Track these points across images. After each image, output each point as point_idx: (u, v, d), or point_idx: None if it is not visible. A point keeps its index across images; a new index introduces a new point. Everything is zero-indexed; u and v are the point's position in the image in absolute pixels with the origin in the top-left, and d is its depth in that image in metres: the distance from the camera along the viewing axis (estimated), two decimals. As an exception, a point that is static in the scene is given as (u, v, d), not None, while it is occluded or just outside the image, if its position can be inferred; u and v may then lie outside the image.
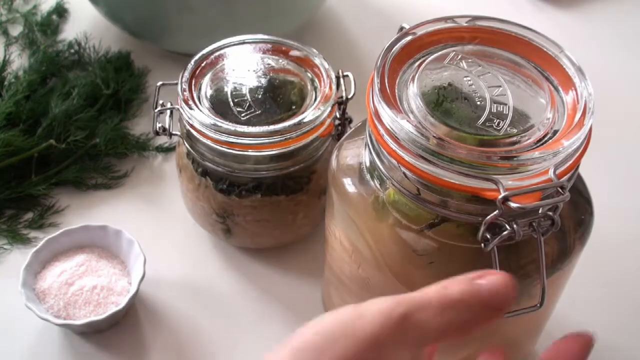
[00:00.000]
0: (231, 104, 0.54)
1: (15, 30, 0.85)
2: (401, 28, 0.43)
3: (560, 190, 0.36)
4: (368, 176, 0.43)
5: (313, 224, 0.60)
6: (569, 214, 0.42)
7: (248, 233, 0.59)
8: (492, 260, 0.37)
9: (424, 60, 0.41)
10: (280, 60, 0.58)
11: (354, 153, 0.45)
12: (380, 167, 0.40)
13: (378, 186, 0.42)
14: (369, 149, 0.41)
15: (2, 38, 0.84)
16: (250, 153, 0.53)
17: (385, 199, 0.41)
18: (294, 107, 0.55)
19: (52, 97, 0.70)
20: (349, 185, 0.44)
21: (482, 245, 0.37)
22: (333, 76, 0.56)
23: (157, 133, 0.57)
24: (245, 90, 0.55)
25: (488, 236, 0.37)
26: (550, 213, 0.37)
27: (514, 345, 0.49)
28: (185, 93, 0.54)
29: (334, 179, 0.45)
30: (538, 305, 0.38)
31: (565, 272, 0.43)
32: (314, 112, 0.53)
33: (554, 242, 0.39)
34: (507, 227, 0.36)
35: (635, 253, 0.63)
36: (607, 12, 0.91)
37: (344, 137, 0.47)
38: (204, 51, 0.57)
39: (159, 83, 0.60)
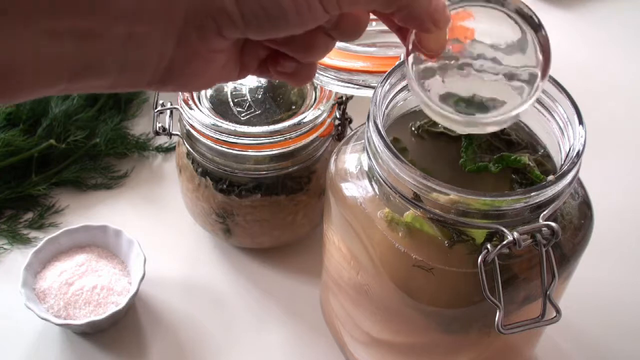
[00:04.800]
0: (231, 104, 0.54)
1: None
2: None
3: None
4: (366, 181, 0.42)
5: (313, 224, 0.60)
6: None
7: (248, 233, 0.59)
8: (493, 268, 0.37)
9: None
10: (280, 61, 0.58)
11: (352, 158, 0.45)
12: (379, 171, 0.40)
13: (377, 191, 0.41)
14: (368, 153, 0.41)
15: None
16: (250, 153, 0.53)
17: (396, 218, 0.41)
18: (293, 107, 0.55)
19: (52, 97, 0.70)
20: (347, 190, 0.44)
21: (483, 255, 0.37)
22: (333, 76, 0.56)
23: (157, 133, 0.57)
24: (245, 90, 0.55)
25: (489, 247, 0.37)
26: (551, 223, 0.37)
27: (513, 349, 0.49)
28: (185, 93, 0.54)
29: (332, 183, 0.45)
30: (557, 316, 0.38)
31: (566, 276, 0.43)
32: (313, 112, 0.53)
33: (553, 247, 0.39)
34: (508, 236, 0.36)
35: (634, 256, 0.63)
36: (607, 12, 0.91)
37: (342, 142, 0.47)
38: (204, 51, 0.57)
39: (159, 83, 0.60)
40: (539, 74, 0.37)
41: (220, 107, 0.54)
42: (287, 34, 0.31)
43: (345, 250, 0.45)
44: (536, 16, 0.37)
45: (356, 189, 0.43)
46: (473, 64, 0.38)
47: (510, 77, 0.38)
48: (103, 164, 0.69)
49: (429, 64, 0.38)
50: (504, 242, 0.36)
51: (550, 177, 0.38)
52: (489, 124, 0.38)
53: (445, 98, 0.38)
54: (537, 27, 0.37)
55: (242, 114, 0.54)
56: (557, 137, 0.41)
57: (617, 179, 0.69)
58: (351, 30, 0.33)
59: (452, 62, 0.38)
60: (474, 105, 0.38)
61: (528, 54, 0.38)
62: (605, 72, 0.82)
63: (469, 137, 0.43)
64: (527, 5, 0.37)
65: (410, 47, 0.37)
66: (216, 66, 0.31)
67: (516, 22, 0.37)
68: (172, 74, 0.30)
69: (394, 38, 0.38)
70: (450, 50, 0.37)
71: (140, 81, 0.30)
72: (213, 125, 0.52)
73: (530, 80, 0.37)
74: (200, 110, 0.53)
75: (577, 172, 0.38)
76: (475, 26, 0.38)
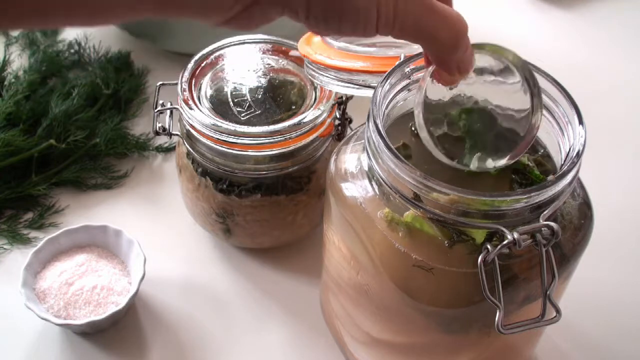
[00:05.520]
0: (231, 104, 0.54)
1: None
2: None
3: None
4: (366, 181, 0.42)
5: (313, 224, 0.60)
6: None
7: (248, 233, 0.59)
8: (493, 268, 0.37)
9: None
10: (280, 60, 0.58)
11: (352, 158, 0.45)
12: (379, 171, 0.40)
13: (377, 191, 0.41)
14: (368, 153, 0.41)
15: (2, 38, 0.84)
16: (250, 153, 0.53)
17: (395, 218, 0.41)
18: (294, 107, 0.55)
19: (52, 97, 0.70)
20: (347, 190, 0.44)
21: (483, 255, 0.37)
22: (333, 76, 0.56)
23: (157, 133, 0.57)
24: (245, 90, 0.55)
25: (489, 247, 0.37)
26: (551, 223, 0.37)
27: (513, 349, 0.49)
28: (185, 93, 0.54)
29: (332, 184, 0.45)
30: (557, 316, 0.38)
31: (566, 277, 0.43)
32: (313, 112, 0.53)
33: (553, 247, 0.39)
34: (508, 236, 0.36)
35: (634, 256, 0.63)
36: (607, 12, 0.91)
37: (342, 142, 0.47)
38: (204, 51, 0.57)
39: (159, 83, 0.60)
40: (515, 149, 0.40)
41: (220, 107, 0.54)
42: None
43: (345, 250, 0.45)
44: (539, 94, 0.40)
45: (356, 189, 0.43)
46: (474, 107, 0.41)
47: (499, 133, 0.41)
48: (103, 164, 0.69)
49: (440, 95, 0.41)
50: (504, 242, 0.36)
51: (550, 177, 0.38)
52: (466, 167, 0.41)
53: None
54: (537, 105, 0.40)
55: (242, 114, 0.54)
56: (557, 137, 0.41)
57: (617, 179, 0.69)
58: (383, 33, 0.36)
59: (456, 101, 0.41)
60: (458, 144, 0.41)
61: (522, 124, 0.40)
62: (606, 72, 0.82)
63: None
64: (536, 82, 0.40)
65: (428, 76, 0.40)
66: (267, 21, 0.35)
67: (525, 91, 0.40)
68: (233, 21, 0.33)
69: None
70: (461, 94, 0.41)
71: (209, 20, 0.33)
72: (213, 125, 0.52)
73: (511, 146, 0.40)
74: (200, 110, 0.53)
75: (577, 172, 0.38)
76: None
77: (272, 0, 0.32)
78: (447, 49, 0.36)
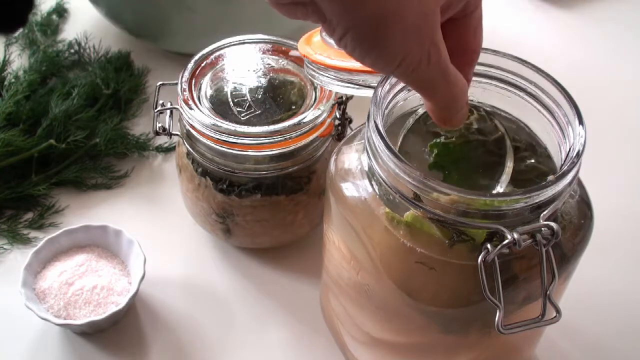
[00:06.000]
0: (231, 104, 0.54)
1: (15, 30, 0.85)
2: None
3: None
4: (366, 180, 0.42)
5: (313, 224, 0.60)
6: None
7: (248, 233, 0.59)
8: (493, 268, 0.37)
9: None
10: (280, 60, 0.58)
11: (352, 157, 0.45)
12: (379, 171, 0.40)
13: (377, 191, 0.41)
14: (368, 153, 0.41)
15: (2, 38, 0.84)
16: (250, 153, 0.53)
17: (396, 218, 0.41)
18: (294, 107, 0.55)
19: (52, 97, 0.70)
20: (347, 190, 0.44)
21: (483, 255, 0.37)
22: (333, 76, 0.56)
23: (157, 133, 0.57)
24: (245, 90, 0.55)
25: (489, 246, 0.37)
26: (551, 223, 0.37)
27: (513, 349, 0.49)
28: (185, 93, 0.54)
29: (332, 183, 0.45)
30: (557, 316, 0.38)
31: (566, 277, 0.43)
32: (313, 112, 0.53)
33: (553, 247, 0.39)
34: (508, 236, 0.36)
35: (635, 255, 0.63)
36: (607, 12, 0.91)
37: (342, 142, 0.47)
38: (204, 51, 0.57)
39: (159, 83, 0.60)
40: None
41: (220, 107, 0.54)
42: None
43: (345, 250, 0.45)
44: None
45: (356, 189, 0.43)
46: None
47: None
48: (103, 164, 0.69)
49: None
50: (504, 242, 0.36)
51: (550, 177, 0.38)
52: None
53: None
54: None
55: (242, 114, 0.54)
56: (557, 137, 0.41)
57: (617, 178, 0.69)
58: None
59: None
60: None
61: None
62: (605, 72, 0.82)
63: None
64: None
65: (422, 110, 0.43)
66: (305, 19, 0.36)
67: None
68: (282, 5, 0.36)
69: None
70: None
71: None
72: (213, 125, 0.52)
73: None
74: (200, 110, 0.53)
75: (577, 172, 0.38)
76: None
77: (318, 10, 0.33)
78: (442, 108, 0.38)
